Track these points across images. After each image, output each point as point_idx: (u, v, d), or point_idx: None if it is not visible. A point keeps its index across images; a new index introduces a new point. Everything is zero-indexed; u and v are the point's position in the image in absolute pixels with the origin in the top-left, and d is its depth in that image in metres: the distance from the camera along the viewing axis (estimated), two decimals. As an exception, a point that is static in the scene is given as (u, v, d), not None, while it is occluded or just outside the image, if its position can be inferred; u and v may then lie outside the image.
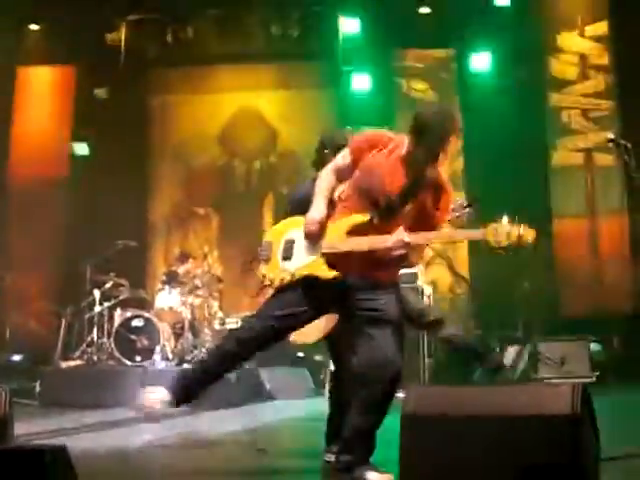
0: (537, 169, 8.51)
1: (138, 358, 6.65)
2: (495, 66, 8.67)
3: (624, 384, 6.06)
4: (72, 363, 6.93)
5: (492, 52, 8.65)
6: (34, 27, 9.11)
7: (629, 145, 3.47)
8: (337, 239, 2.96)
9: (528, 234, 2.70)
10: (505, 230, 2.67)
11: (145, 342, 6.69)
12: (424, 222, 2.91)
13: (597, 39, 8.74)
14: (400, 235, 2.81)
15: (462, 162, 8.54)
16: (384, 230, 2.88)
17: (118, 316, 6.90)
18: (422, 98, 9.04)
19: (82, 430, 4.77)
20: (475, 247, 8.58)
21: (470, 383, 5.90)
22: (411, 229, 2.85)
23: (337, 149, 3.18)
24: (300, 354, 7.22)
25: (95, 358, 6.86)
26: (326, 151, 3.37)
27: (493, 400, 2.20)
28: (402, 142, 2.95)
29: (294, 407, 5.88)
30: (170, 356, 6.81)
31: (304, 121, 8.91)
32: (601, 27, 8.73)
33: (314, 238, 2.98)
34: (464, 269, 8.33)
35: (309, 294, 2.99)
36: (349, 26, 8.79)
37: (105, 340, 6.88)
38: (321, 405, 5.93)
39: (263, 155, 9.45)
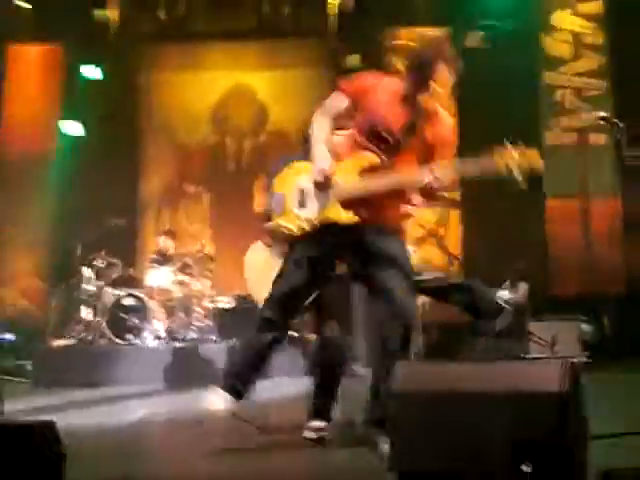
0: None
1: (129, 337, 6.64)
2: (489, 44, 8.58)
3: (613, 365, 6.10)
4: (63, 342, 6.92)
5: (486, 30, 8.57)
6: (21, 4, 8.96)
7: (621, 124, 3.45)
8: (352, 182, 2.96)
9: (532, 154, 2.76)
10: (510, 153, 2.73)
11: (136, 321, 6.68)
12: (427, 156, 2.97)
13: (591, 18, 8.67)
14: (427, 171, 2.85)
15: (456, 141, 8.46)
16: (392, 167, 2.93)
17: (109, 295, 6.88)
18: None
19: (73, 407, 4.77)
20: (467, 226, 8.58)
21: (460, 359, 5.91)
22: (417, 163, 2.94)
23: None
24: (293, 333, 7.20)
25: (86, 337, 6.85)
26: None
27: (481, 377, 2.20)
28: (395, 80, 3.06)
29: (284, 385, 5.89)
30: (161, 335, 6.82)
31: (296, 100, 8.83)
32: (595, 6, 8.67)
33: (325, 188, 2.97)
34: (456, 249, 8.31)
35: (329, 240, 2.99)
36: (341, 4, 8.69)
37: (96, 319, 6.86)
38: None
39: (254, 134, 9.38)
